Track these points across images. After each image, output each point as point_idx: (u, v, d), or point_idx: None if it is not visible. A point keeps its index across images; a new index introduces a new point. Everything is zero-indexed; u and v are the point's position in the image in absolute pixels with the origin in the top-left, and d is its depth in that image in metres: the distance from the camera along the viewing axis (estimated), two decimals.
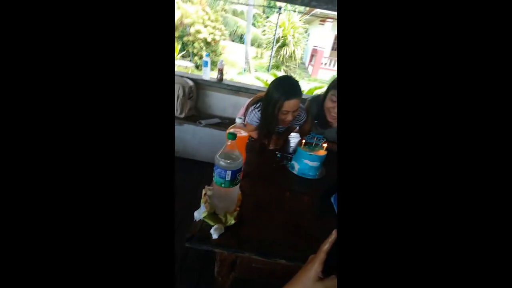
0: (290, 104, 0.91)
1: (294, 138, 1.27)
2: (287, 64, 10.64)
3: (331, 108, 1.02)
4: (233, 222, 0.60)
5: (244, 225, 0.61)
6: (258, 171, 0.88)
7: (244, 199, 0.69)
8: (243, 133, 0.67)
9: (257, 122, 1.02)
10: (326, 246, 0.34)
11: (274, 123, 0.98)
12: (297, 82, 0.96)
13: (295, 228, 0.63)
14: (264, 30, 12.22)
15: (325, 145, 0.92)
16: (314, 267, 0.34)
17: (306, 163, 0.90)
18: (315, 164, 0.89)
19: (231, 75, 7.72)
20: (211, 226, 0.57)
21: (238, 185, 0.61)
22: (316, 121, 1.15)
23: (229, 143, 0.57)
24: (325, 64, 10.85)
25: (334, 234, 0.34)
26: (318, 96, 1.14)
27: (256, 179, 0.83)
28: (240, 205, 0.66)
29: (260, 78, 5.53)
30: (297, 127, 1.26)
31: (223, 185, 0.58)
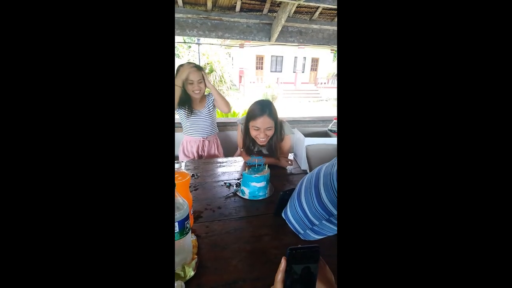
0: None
1: (238, 163, 1.30)
2: (219, 88, 10.97)
3: (257, 135, 1.12)
4: (192, 273, 0.56)
5: (205, 273, 0.58)
6: (209, 207, 0.87)
7: (200, 244, 0.67)
8: (182, 178, 0.66)
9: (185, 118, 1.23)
10: (279, 276, 0.35)
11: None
12: None
13: (256, 256, 0.64)
14: (189, 60, 12.40)
15: (266, 165, 0.98)
16: None
17: (254, 186, 0.93)
18: (262, 184, 0.94)
19: None
20: None
21: (189, 233, 0.59)
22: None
23: None
24: (253, 82, 11.66)
25: (283, 263, 0.35)
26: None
27: (209, 216, 0.81)
28: (197, 252, 0.64)
29: None
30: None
31: None
